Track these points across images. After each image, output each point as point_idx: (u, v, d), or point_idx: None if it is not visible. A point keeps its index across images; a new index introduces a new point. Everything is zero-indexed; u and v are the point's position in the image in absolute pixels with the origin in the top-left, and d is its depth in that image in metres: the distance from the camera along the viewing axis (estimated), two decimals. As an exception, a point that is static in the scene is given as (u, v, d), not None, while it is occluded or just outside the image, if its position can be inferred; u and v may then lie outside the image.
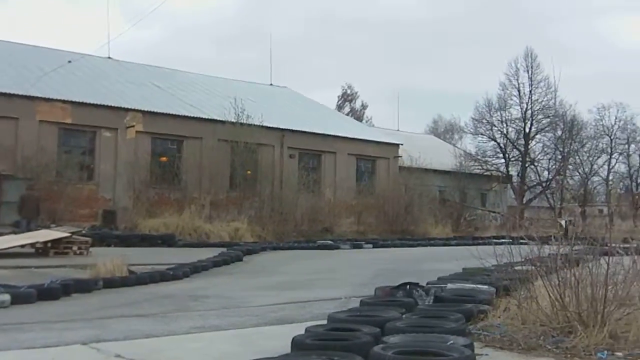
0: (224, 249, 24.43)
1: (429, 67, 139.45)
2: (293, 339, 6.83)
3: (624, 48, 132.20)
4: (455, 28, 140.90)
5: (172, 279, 15.99)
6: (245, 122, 38.74)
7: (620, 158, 68.80)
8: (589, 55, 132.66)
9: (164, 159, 38.44)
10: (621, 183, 70.42)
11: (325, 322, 8.18)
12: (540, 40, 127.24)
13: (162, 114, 38.11)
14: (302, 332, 7.24)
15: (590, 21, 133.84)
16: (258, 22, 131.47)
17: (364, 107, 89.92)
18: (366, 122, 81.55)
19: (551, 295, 8.23)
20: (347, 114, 78.78)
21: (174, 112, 38.81)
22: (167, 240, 28.89)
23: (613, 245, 10.24)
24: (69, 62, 40.43)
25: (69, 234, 22.47)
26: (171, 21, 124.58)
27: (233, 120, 38.52)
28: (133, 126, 36.34)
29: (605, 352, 7.09)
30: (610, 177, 69.17)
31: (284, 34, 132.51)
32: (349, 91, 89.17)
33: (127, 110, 36.69)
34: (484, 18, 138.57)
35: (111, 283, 14.38)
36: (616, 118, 67.66)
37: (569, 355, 7.10)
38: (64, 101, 34.99)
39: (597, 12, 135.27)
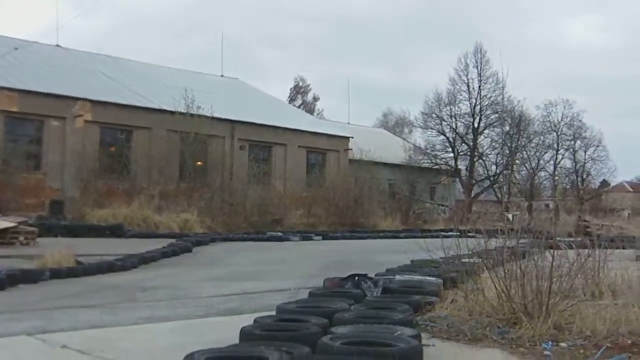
0: (174, 240, 24.30)
1: (380, 62, 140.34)
2: (241, 329, 6.82)
3: (568, 48, 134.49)
4: (406, 24, 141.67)
5: (120, 269, 15.83)
6: (195, 112, 38.53)
7: (567, 154, 69.84)
8: (534, 53, 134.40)
9: (112, 149, 38.07)
10: (567, 178, 71.45)
11: (274, 313, 8.20)
12: (488, 39, 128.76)
13: (112, 103, 37.68)
14: (251, 322, 7.25)
15: (536, 19, 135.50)
16: (208, 13, 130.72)
17: (315, 99, 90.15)
18: (317, 115, 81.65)
19: (497, 287, 8.35)
20: (299, 107, 78.82)
21: (123, 102, 38.41)
22: (115, 231, 28.58)
23: (558, 238, 10.44)
24: (16, 49, 39.65)
25: (15, 224, 22.15)
26: (121, 10, 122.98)
27: (183, 110, 38.29)
28: (81, 115, 35.89)
29: (550, 342, 7.20)
30: (557, 172, 70.16)
31: (234, 26, 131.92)
32: (301, 84, 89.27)
33: (75, 99, 36.16)
34: (434, 15, 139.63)
35: (58, 274, 14.18)
36: (563, 114, 68.65)
37: (514, 346, 7.20)
38: (10, 89, 34.38)
39: (543, 11, 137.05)
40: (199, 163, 39.42)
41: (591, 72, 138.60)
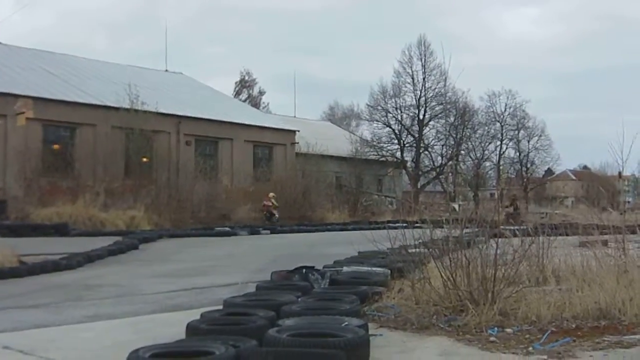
0: (120, 238, 24.02)
1: (327, 56, 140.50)
2: (188, 324, 6.76)
3: (508, 39, 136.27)
4: (350, 19, 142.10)
5: (65, 268, 15.59)
6: (139, 108, 38.11)
7: (511, 144, 70.77)
8: (477, 46, 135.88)
9: (56, 146, 37.44)
10: (512, 167, 72.36)
11: (221, 307, 8.15)
12: (432, 31, 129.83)
13: (54, 100, 37.07)
14: (198, 318, 7.20)
15: (477, 13, 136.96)
16: (150, 11, 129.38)
17: (261, 93, 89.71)
18: (263, 108, 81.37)
19: (443, 275, 8.41)
20: (245, 101, 78.45)
21: (66, 99, 37.83)
22: (60, 230, 28.16)
23: (502, 227, 10.56)
24: (-46, 46, 38.90)
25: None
26: (60, 6, 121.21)
27: (127, 106, 37.82)
28: (23, 113, 35.19)
29: (496, 328, 7.29)
30: (501, 162, 71.01)
31: (177, 23, 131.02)
32: (247, 77, 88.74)
33: (16, 96, 35.40)
34: (380, 7, 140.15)
35: (0, 274, 13.92)
36: (506, 105, 69.55)
37: (461, 333, 7.26)
38: (-53, 87, 33.68)
39: (482, 4, 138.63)
40: (145, 159, 39.03)
41: (530, 63, 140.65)
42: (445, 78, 62.32)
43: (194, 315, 7.52)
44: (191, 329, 6.68)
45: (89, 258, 17.46)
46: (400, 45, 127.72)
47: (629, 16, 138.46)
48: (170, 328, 7.49)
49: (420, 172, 64.65)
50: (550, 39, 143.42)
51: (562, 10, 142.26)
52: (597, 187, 63.91)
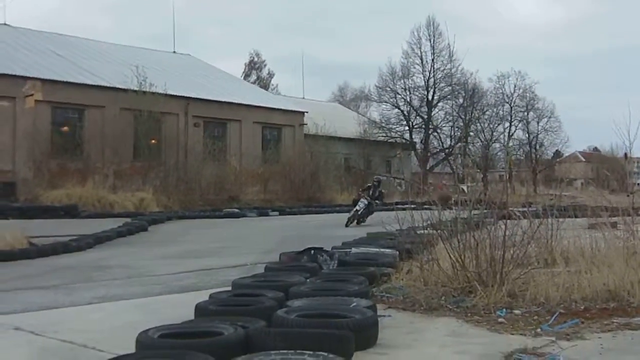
0: (129, 219, 24.09)
1: (336, 38, 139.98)
2: (196, 305, 6.78)
3: (515, 20, 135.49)
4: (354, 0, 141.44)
5: (75, 250, 15.66)
6: (148, 90, 38.12)
7: (520, 125, 70.45)
8: (483, 27, 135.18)
9: (65, 128, 37.47)
10: (520, 149, 72.12)
11: (229, 288, 8.18)
12: (439, 13, 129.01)
13: (63, 82, 37.09)
14: (206, 299, 7.22)
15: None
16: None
17: (270, 75, 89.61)
18: (273, 90, 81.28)
19: (452, 257, 8.41)
20: (254, 82, 78.37)
21: (74, 81, 37.83)
22: (69, 212, 28.27)
23: (512, 208, 10.54)
24: (-39, 28, 38.91)
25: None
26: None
27: (136, 88, 37.82)
28: (32, 95, 35.25)
29: (504, 309, 7.29)
30: (510, 144, 70.80)
31: (180, 2, 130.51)
32: (256, 59, 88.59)
33: (25, 78, 35.48)
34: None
35: (11, 256, 13.98)
36: (515, 86, 69.18)
37: (469, 314, 7.27)
38: (-44, 69, 33.73)
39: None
40: (153, 141, 39.10)
41: (537, 45, 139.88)
42: (453, 59, 62.33)
43: (203, 296, 7.55)
44: (200, 309, 6.71)
45: (99, 240, 17.55)
46: (408, 26, 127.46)
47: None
48: (179, 309, 7.51)
49: (429, 154, 64.60)
50: (554, 21, 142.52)
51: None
52: (605, 169, 63.77)
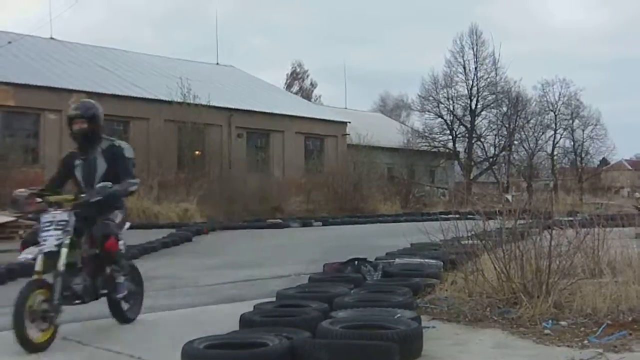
0: (173, 230, 24.28)
1: (376, 46, 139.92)
2: (241, 316, 6.83)
3: (556, 26, 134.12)
4: (395, 8, 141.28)
5: (121, 260, 15.81)
6: (192, 102, 38.45)
7: (565, 133, 69.63)
8: (525, 34, 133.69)
9: (110, 140, 37.85)
10: (566, 157, 71.33)
11: (274, 299, 8.21)
12: (478, 20, 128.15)
13: (108, 94, 37.48)
14: (251, 309, 7.26)
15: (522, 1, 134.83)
16: (194, 2, 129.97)
17: (313, 85, 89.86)
18: (315, 100, 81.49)
19: (497, 267, 8.35)
20: (296, 93, 78.64)
21: (119, 93, 38.32)
22: (115, 223, 28.50)
23: (557, 218, 10.44)
24: (9, 42, 39.50)
25: (14, 218, 22.12)
26: (110, 1, 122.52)
27: (180, 100, 38.19)
28: (78, 108, 35.67)
29: (550, 321, 7.22)
30: (555, 152, 70.03)
31: (220, 14, 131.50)
32: (298, 69, 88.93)
33: (71, 91, 35.95)
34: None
35: (58, 266, 14.15)
36: (560, 94, 68.36)
37: (515, 326, 7.21)
38: (6, 83, 34.33)
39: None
40: (197, 152, 39.40)
41: (580, 51, 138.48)
42: (497, 67, 61.95)
43: (247, 306, 7.59)
44: (245, 320, 6.75)
45: (144, 250, 17.68)
46: (447, 34, 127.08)
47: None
48: (224, 319, 7.55)
49: (472, 163, 64.16)
50: (597, 26, 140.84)
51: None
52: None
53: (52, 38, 46.55)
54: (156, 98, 39.11)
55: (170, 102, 38.07)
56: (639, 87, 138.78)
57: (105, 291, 7.69)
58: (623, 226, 12.09)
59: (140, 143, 37.18)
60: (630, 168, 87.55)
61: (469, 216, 10.30)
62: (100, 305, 9.44)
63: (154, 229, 26.21)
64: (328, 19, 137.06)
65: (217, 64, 56.65)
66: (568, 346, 6.39)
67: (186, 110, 38.04)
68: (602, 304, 7.56)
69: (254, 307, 7.41)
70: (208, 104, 38.90)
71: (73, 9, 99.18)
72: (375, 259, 11.28)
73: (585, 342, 6.49)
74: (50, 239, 6.96)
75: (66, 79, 37.63)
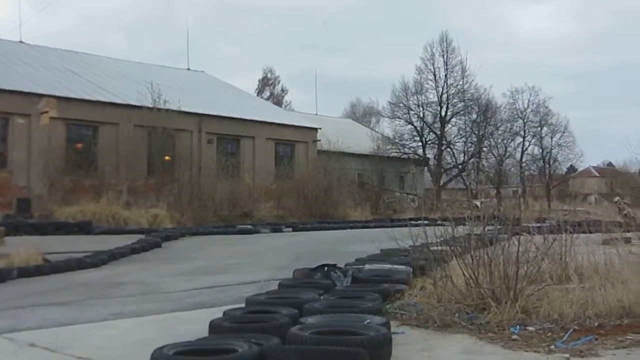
0: (143, 236, 24.16)
1: (347, 54, 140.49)
2: (210, 322, 6.82)
3: (525, 36, 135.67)
4: (364, 17, 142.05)
5: (90, 266, 15.72)
6: (162, 107, 38.25)
7: (533, 140, 70.23)
8: (496, 43, 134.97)
9: (79, 145, 37.65)
10: (534, 164, 71.93)
11: (243, 305, 8.20)
12: (448, 29, 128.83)
13: (77, 99, 37.30)
14: (220, 315, 7.25)
15: (490, 11, 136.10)
16: (164, 8, 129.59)
17: (284, 91, 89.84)
18: (286, 106, 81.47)
19: (465, 273, 8.42)
20: (267, 99, 78.62)
21: (89, 98, 38.03)
22: (83, 228, 28.36)
23: (525, 224, 10.53)
24: (-22, 46, 39.20)
25: None
26: (79, 6, 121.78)
27: (150, 105, 37.98)
28: (47, 112, 35.45)
29: (518, 326, 7.29)
30: (524, 159, 70.60)
31: (191, 20, 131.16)
32: (269, 75, 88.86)
33: (40, 95, 35.70)
34: (391, 8, 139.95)
35: (26, 272, 14.04)
36: (529, 101, 69.00)
37: (483, 331, 7.27)
38: (-27, 87, 33.98)
39: (495, 2, 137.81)
40: (167, 158, 39.20)
41: (549, 60, 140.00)
42: (466, 74, 62.33)
43: (217, 313, 7.59)
44: (214, 326, 6.74)
45: (113, 256, 17.60)
46: (416, 43, 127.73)
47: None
48: (194, 326, 7.55)
49: (442, 170, 64.48)
50: (565, 36, 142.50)
51: (574, 7, 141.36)
52: (619, 184, 63.50)
53: (21, 42, 46.14)
54: (126, 103, 38.86)
55: (140, 107, 37.85)
56: (607, 97, 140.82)
57: None
58: (590, 232, 12.22)
59: (109, 148, 37.09)
60: (597, 175, 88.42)
61: (438, 222, 10.36)
62: (70, 311, 9.43)
63: (124, 234, 26.10)
64: (299, 27, 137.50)
65: (188, 69, 56.47)
66: (535, 351, 6.45)
67: (156, 116, 37.82)
68: (569, 309, 7.65)
69: (224, 313, 7.41)
70: (178, 109, 38.70)
71: (43, 13, 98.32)
72: (345, 265, 11.30)
73: (552, 347, 6.56)
74: None
75: (35, 82, 37.26)
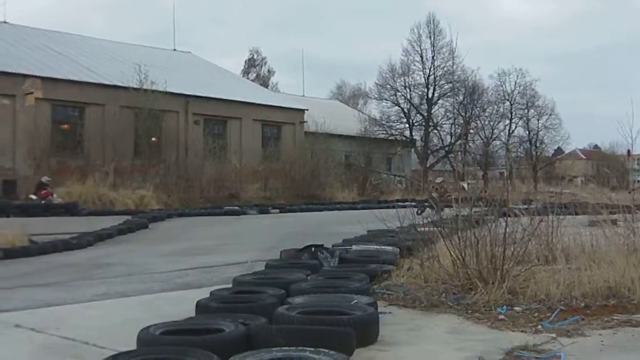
0: (129, 217, 24.11)
1: (333, 36, 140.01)
2: (197, 302, 6.81)
3: (516, 18, 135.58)
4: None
5: (76, 247, 15.69)
6: (148, 88, 38.06)
7: (520, 122, 70.38)
8: (480, 26, 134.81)
9: (65, 126, 37.47)
10: (521, 146, 72.09)
11: (230, 285, 8.19)
12: (439, 11, 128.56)
13: (63, 80, 37.05)
14: (207, 296, 7.23)
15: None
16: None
17: (270, 72, 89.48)
18: (272, 88, 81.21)
19: (452, 254, 8.41)
20: (254, 80, 78.28)
21: (75, 78, 37.78)
22: (70, 209, 28.28)
23: (512, 206, 10.54)
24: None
25: None
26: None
27: (136, 86, 37.77)
28: (32, 93, 35.16)
29: (505, 306, 7.30)
30: (511, 141, 70.72)
31: (181, 3, 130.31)
32: (255, 56, 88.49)
33: (25, 76, 35.39)
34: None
35: (12, 253, 14.01)
36: (516, 83, 69.14)
37: (470, 311, 7.28)
38: (-43, 67, 33.70)
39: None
40: (154, 139, 39.08)
41: (535, 43, 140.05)
42: (454, 56, 62.32)
43: (204, 293, 7.58)
44: (201, 306, 6.73)
45: (99, 237, 17.58)
46: (404, 25, 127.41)
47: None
48: (180, 306, 7.53)
49: (429, 151, 64.56)
50: (550, 17, 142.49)
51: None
52: (605, 166, 63.74)
53: (5, 22, 45.72)
54: (112, 84, 38.62)
55: (126, 88, 37.62)
56: (593, 79, 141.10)
57: None
58: (577, 214, 12.24)
59: (95, 129, 36.90)
60: (583, 157, 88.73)
61: (425, 204, 10.36)
62: (56, 292, 9.40)
63: (110, 215, 26.04)
64: (286, 9, 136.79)
65: (175, 50, 56.18)
66: (522, 331, 6.46)
67: (142, 97, 37.64)
68: (556, 290, 7.66)
69: (211, 293, 7.39)
70: (165, 90, 38.52)
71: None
72: (333, 246, 11.31)
73: (539, 327, 6.58)
74: None
75: (20, 63, 36.93)
